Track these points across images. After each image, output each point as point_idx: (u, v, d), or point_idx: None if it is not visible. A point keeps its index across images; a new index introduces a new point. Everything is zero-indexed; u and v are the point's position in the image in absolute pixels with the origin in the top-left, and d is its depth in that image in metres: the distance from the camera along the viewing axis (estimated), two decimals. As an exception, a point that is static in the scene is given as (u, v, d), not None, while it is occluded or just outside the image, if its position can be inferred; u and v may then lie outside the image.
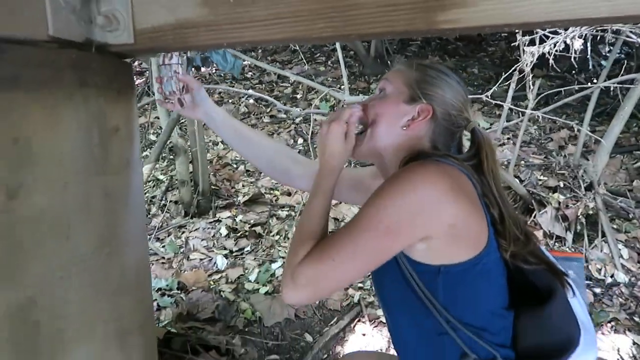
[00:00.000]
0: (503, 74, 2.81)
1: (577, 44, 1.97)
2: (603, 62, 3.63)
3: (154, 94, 2.92)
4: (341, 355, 2.17)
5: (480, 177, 1.00)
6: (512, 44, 2.63)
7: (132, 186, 1.18)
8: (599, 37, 2.80)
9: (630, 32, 2.36)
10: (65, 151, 0.95)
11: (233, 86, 4.63)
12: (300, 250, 0.94)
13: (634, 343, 2.19)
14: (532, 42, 2.40)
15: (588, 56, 2.54)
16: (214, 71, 5.41)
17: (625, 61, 3.79)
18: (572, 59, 2.76)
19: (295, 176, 1.34)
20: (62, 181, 0.94)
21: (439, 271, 0.93)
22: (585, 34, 1.99)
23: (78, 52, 0.96)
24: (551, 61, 2.29)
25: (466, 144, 1.11)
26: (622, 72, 2.93)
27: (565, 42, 2.02)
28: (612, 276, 2.59)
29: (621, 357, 2.11)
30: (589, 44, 2.44)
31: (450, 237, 0.91)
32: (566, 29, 2.01)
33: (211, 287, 2.52)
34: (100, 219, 1.03)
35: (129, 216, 1.14)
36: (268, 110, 4.68)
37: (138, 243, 1.20)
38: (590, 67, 4.06)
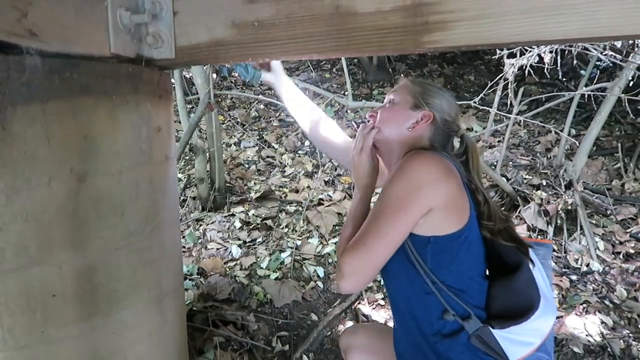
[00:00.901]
0: (496, 84, 3.10)
1: (547, 58, 2.25)
2: (582, 72, 3.90)
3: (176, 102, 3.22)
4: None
5: (466, 172, 1.26)
6: (508, 58, 2.91)
7: (170, 177, 1.46)
8: (580, 50, 3.07)
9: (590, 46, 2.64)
10: (121, 145, 1.22)
11: (244, 92, 4.92)
12: (339, 249, 1.16)
13: (602, 322, 2.45)
14: (514, 55, 2.69)
15: (574, 64, 2.82)
16: (226, 79, 5.71)
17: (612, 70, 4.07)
18: (559, 70, 3.05)
19: (337, 150, 1.63)
20: (118, 169, 1.22)
21: (429, 241, 1.13)
22: (556, 48, 2.27)
23: (132, 65, 1.24)
24: (531, 71, 2.57)
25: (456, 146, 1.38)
26: (606, 80, 3.21)
27: (539, 55, 2.30)
28: (587, 265, 2.86)
29: (590, 335, 2.38)
30: (574, 56, 2.72)
31: (444, 210, 1.11)
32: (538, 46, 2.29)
33: (227, 272, 2.79)
34: (146, 202, 1.31)
35: (167, 200, 1.42)
36: (277, 114, 4.98)
37: (173, 223, 1.48)
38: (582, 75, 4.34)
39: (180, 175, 3.86)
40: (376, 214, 1.11)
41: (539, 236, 3.04)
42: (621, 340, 2.32)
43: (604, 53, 2.58)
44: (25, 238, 1.08)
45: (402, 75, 5.78)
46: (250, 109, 5.07)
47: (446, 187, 1.11)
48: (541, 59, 2.37)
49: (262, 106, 5.10)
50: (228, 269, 2.82)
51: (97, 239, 1.18)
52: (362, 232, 1.11)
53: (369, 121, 1.35)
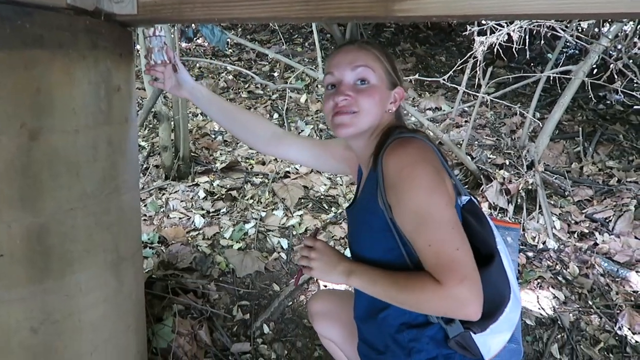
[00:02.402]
0: (466, 62, 3.12)
1: (516, 36, 2.27)
2: (550, 56, 3.98)
3: (139, 65, 3.11)
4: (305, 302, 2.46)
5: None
6: (478, 36, 2.93)
7: (130, 139, 1.41)
8: (550, 34, 3.12)
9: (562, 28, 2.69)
10: (77, 103, 1.18)
11: (213, 61, 4.80)
12: (429, 296, 0.99)
13: (554, 297, 2.56)
14: (484, 33, 2.70)
15: (542, 49, 2.86)
16: (193, 47, 5.56)
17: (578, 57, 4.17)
18: (527, 51, 3.09)
19: (273, 145, 1.50)
20: (74, 128, 1.18)
21: None
22: (525, 28, 2.29)
23: (90, 19, 1.19)
24: (501, 51, 2.59)
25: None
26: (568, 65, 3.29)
27: (508, 34, 2.32)
28: (544, 243, 2.96)
29: (542, 308, 2.48)
30: (542, 39, 2.77)
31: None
32: (510, 23, 2.31)
33: (189, 242, 2.76)
34: (103, 163, 1.27)
35: (127, 163, 1.38)
36: (246, 86, 4.88)
37: (132, 187, 1.44)
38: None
39: (143, 143, 3.77)
40: (428, 226, 1.01)
41: (499, 214, 3.12)
42: (571, 314, 2.43)
43: (571, 34, 2.63)
44: (-29, 194, 1.04)
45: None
46: (219, 79, 4.96)
47: (442, 167, 1.09)
48: (510, 38, 2.39)
49: (230, 77, 5.00)
50: (190, 239, 2.79)
51: (51, 199, 1.14)
52: (436, 253, 1.00)
53: (343, 101, 1.17)
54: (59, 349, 1.20)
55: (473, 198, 1.23)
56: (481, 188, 3.20)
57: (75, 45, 1.15)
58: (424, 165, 1.04)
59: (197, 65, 5.14)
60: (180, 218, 2.96)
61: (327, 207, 3.17)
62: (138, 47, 2.98)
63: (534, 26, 2.36)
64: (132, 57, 1.42)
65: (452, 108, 4.45)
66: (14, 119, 1.05)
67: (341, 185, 3.38)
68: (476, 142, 3.76)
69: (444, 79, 2.78)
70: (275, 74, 5.13)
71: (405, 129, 1.18)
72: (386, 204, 1.08)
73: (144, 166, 3.48)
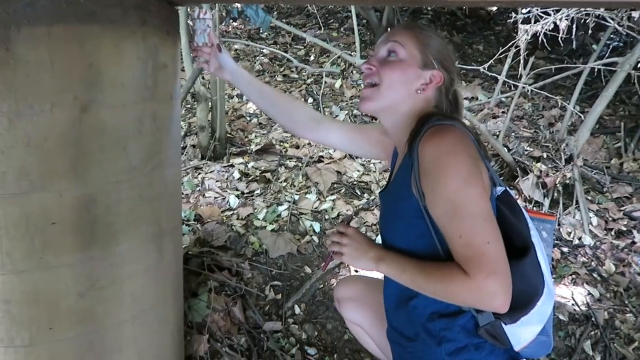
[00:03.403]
0: (507, 51, 3.04)
1: (563, 25, 2.19)
2: (594, 47, 3.84)
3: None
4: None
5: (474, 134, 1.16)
6: (522, 24, 2.85)
7: (174, 116, 1.44)
8: (594, 24, 3.01)
9: (609, 18, 2.59)
10: (126, 78, 1.21)
11: (249, 43, 4.82)
12: (457, 287, 0.99)
13: (589, 293, 2.51)
14: (528, 22, 2.63)
15: (585, 40, 2.77)
16: (230, 29, 5.60)
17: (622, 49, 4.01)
18: (574, 41, 2.99)
19: (311, 129, 1.51)
20: (123, 102, 1.21)
21: None
22: (572, 17, 2.21)
23: (140, -4, 1.20)
24: (544, 41, 2.52)
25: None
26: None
27: (554, 23, 2.25)
28: (579, 239, 2.89)
29: (576, 304, 2.43)
30: (589, 30, 2.67)
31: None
32: (557, 11, 2.24)
33: (224, 221, 2.81)
34: (148, 138, 1.30)
35: (170, 140, 1.41)
36: (281, 69, 4.90)
37: (175, 163, 1.48)
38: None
39: (181, 123, 3.83)
40: (461, 218, 1.00)
41: (534, 207, 3.06)
42: (605, 312, 2.38)
43: (620, 24, 2.52)
44: (26, 163, 1.09)
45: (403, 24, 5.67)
46: (255, 62, 4.99)
47: (479, 158, 1.07)
48: (555, 27, 2.31)
49: (266, 60, 5.02)
50: (225, 218, 2.84)
51: (99, 170, 1.18)
52: (468, 244, 0.99)
53: (366, 70, 1.20)
54: (103, 314, 1.26)
55: (508, 189, 1.20)
56: (517, 180, 3.14)
57: (125, 22, 1.17)
58: (461, 155, 1.02)
59: (234, 47, 5.17)
60: (215, 197, 3.01)
61: (359, 193, 3.18)
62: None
63: (581, 15, 2.28)
64: (178, 35, 1.45)
65: (488, 98, 4.36)
66: (68, 91, 1.09)
67: (374, 172, 3.38)
68: (513, 134, 3.68)
69: (483, 68, 2.73)
70: (311, 58, 5.12)
71: (444, 117, 1.14)
72: (420, 191, 1.07)
73: (182, 145, 3.55)
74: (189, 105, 4.06)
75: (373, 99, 1.18)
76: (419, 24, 1.25)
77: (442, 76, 1.17)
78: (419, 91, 1.16)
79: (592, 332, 2.28)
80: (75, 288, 1.20)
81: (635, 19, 2.94)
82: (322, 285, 2.47)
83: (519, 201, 2.98)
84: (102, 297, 1.25)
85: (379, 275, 1.25)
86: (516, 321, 1.08)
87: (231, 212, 2.88)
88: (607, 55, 3.34)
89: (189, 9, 2.67)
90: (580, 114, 3.23)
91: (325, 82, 4.51)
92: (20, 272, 1.14)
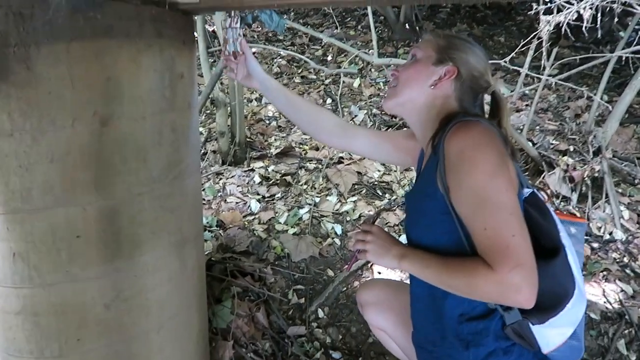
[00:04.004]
0: (529, 43, 2.97)
1: (587, 14, 2.13)
2: (621, 34, 3.72)
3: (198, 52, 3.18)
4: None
5: (502, 134, 1.12)
6: (544, 15, 2.78)
7: (192, 124, 1.45)
8: (621, 10, 2.91)
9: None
10: (144, 90, 1.22)
11: (266, 45, 4.84)
12: (480, 281, 0.97)
13: (622, 290, 2.43)
14: (550, 12, 2.55)
15: (612, 27, 2.67)
16: (248, 32, 5.62)
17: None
18: (599, 30, 2.90)
19: (337, 136, 1.52)
20: (142, 114, 1.22)
21: None
22: (597, 5, 2.15)
23: (156, 8, 1.22)
24: (568, 30, 2.45)
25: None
26: (642, 44, 3.06)
27: (578, 12, 2.18)
28: (610, 233, 2.81)
29: (608, 301, 2.36)
30: (615, 17, 2.58)
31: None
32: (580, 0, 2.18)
33: (246, 226, 2.83)
34: (168, 149, 1.31)
35: (189, 149, 1.42)
36: (299, 71, 4.90)
37: (195, 172, 1.49)
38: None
39: (201, 129, 3.86)
40: (487, 210, 0.99)
41: (561, 202, 2.99)
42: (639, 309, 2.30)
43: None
44: (50, 178, 1.10)
45: (424, 25, 5.61)
46: (272, 65, 5.00)
47: (506, 155, 1.05)
48: (579, 16, 2.25)
49: (284, 62, 5.03)
50: (247, 223, 2.86)
51: (121, 182, 1.19)
52: (493, 236, 0.98)
53: (390, 78, 1.29)
54: (129, 324, 1.27)
55: (536, 191, 1.18)
56: (543, 175, 3.07)
57: (141, 35, 1.18)
58: (487, 148, 1.01)
59: (251, 50, 5.19)
60: (237, 202, 3.03)
61: (381, 194, 3.15)
62: (196, 34, 3.05)
63: (606, 3, 2.21)
64: (194, 44, 1.46)
65: (511, 91, 4.28)
66: (88, 106, 1.10)
67: (395, 171, 3.35)
68: (538, 127, 3.59)
69: (505, 61, 2.67)
70: (329, 59, 5.11)
71: (469, 114, 1.15)
72: (445, 185, 1.06)
73: (202, 151, 3.58)
74: (208, 111, 4.09)
75: (391, 96, 1.25)
76: (449, 32, 1.26)
77: (456, 70, 1.18)
78: (432, 86, 1.20)
79: (626, 331, 2.21)
80: (101, 299, 1.21)
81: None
82: (345, 288, 2.46)
83: (545, 196, 2.92)
84: (127, 307, 1.26)
85: (403, 278, 1.24)
86: (544, 322, 1.06)
87: (253, 217, 2.90)
88: (636, 42, 3.23)
89: (221, 20, 2.70)
90: (608, 104, 3.13)
91: (344, 82, 4.49)
92: (47, 286, 1.16)
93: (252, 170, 3.33)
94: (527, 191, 1.15)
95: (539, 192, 1.19)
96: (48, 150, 1.09)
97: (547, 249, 1.07)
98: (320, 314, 2.28)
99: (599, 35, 3.50)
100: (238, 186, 3.17)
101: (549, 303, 1.04)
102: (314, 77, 4.76)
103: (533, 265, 0.96)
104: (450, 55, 1.20)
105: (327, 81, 4.64)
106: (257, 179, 3.24)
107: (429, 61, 1.21)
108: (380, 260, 1.21)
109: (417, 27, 5.64)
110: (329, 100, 4.34)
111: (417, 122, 1.26)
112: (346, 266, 2.55)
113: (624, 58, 2.95)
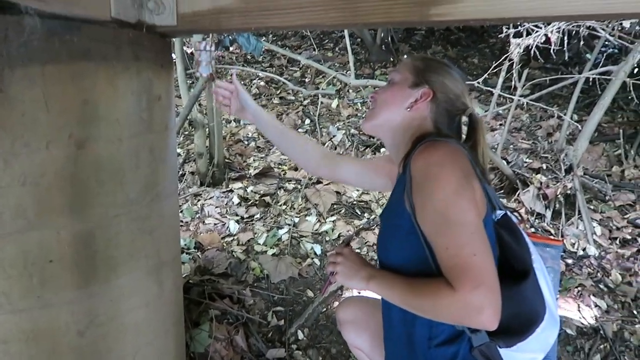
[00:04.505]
0: (501, 64, 3.06)
1: (554, 37, 2.22)
2: (588, 56, 3.87)
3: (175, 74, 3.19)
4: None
5: (473, 157, 1.13)
6: (514, 38, 2.87)
7: (170, 146, 1.45)
8: (587, 33, 3.04)
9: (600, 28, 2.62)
10: (121, 113, 1.21)
11: (245, 67, 4.87)
12: (444, 301, 0.96)
13: (596, 305, 2.48)
14: (520, 35, 2.65)
15: (580, 49, 2.78)
16: (226, 54, 5.65)
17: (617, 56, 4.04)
18: (567, 52, 3.01)
19: (324, 166, 1.57)
20: (118, 137, 1.21)
21: None
22: (563, 29, 2.24)
23: (133, 31, 1.22)
24: (537, 52, 2.54)
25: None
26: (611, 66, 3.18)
27: (546, 35, 2.27)
28: (584, 249, 2.87)
29: (583, 317, 2.40)
30: (582, 39, 2.69)
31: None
32: (547, 24, 2.26)
33: (224, 247, 2.80)
34: (146, 171, 1.30)
35: (167, 170, 1.41)
36: (278, 92, 4.94)
37: (172, 193, 1.48)
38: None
39: (179, 150, 3.84)
40: (448, 229, 0.99)
41: (536, 219, 3.05)
42: (614, 324, 2.34)
43: (612, 33, 2.54)
44: (23, 202, 1.08)
45: (405, 55, 5.74)
46: (251, 86, 5.03)
47: (473, 172, 1.06)
48: (547, 39, 2.34)
49: (262, 83, 5.06)
50: (225, 244, 2.83)
51: (97, 205, 1.18)
52: (452, 256, 0.97)
53: (370, 101, 1.32)
54: (103, 351, 1.24)
55: (509, 213, 1.19)
56: (517, 193, 3.13)
57: (119, 58, 1.18)
58: (451, 166, 1.02)
59: (229, 72, 5.22)
60: (215, 224, 3.01)
61: (359, 213, 3.17)
62: (174, 56, 3.06)
63: (572, 26, 2.30)
64: (171, 66, 1.46)
65: (485, 111, 4.38)
66: (64, 129, 1.09)
67: (373, 191, 3.37)
68: (511, 146, 3.68)
69: (478, 82, 2.74)
70: (307, 80, 5.16)
71: (440, 135, 1.17)
72: (412, 205, 1.07)
73: (180, 173, 3.55)
74: (186, 132, 4.08)
75: (369, 118, 1.28)
76: (427, 55, 1.31)
77: (431, 92, 1.20)
78: (409, 109, 1.21)
79: (602, 346, 2.24)
80: (75, 325, 1.18)
81: (627, 28, 2.96)
82: (324, 309, 2.45)
83: (521, 213, 2.97)
84: (102, 332, 1.23)
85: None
86: (511, 346, 1.06)
87: (231, 238, 2.87)
88: (602, 63, 3.35)
89: (195, 41, 2.71)
90: (578, 124, 3.23)
91: (322, 103, 4.54)
92: (18, 312, 1.13)
93: (231, 191, 3.32)
94: (499, 213, 1.16)
95: (512, 214, 1.21)
96: (21, 173, 1.07)
97: (517, 271, 1.07)
98: (300, 335, 2.26)
99: (567, 57, 3.63)
100: (216, 207, 3.15)
101: (518, 327, 1.03)
102: (293, 98, 4.80)
103: (495, 286, 0.94)
104: (427, 78, 1.21)
105: (305, 102, 4.68)
106: (236, 200, 3.22)
107: (406, 84, 1.23)
108: (349, 282, 1.22)
109: (393, 49, 5.75)
110: (307, 121, 4.38)
111: (392, 143, 1.27)
112: (323, 287, 2.54)
113: (591, 79, 3.06)
